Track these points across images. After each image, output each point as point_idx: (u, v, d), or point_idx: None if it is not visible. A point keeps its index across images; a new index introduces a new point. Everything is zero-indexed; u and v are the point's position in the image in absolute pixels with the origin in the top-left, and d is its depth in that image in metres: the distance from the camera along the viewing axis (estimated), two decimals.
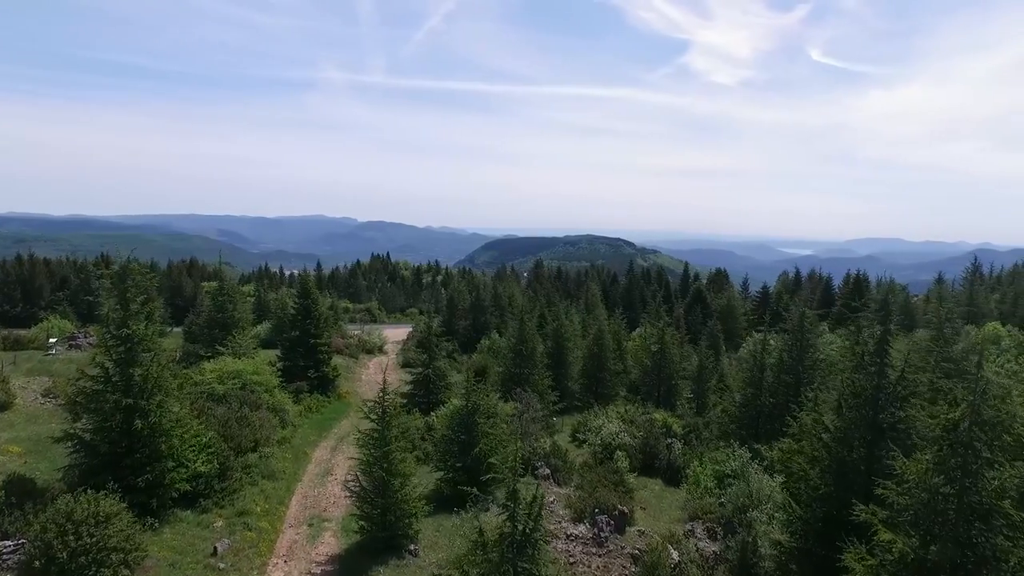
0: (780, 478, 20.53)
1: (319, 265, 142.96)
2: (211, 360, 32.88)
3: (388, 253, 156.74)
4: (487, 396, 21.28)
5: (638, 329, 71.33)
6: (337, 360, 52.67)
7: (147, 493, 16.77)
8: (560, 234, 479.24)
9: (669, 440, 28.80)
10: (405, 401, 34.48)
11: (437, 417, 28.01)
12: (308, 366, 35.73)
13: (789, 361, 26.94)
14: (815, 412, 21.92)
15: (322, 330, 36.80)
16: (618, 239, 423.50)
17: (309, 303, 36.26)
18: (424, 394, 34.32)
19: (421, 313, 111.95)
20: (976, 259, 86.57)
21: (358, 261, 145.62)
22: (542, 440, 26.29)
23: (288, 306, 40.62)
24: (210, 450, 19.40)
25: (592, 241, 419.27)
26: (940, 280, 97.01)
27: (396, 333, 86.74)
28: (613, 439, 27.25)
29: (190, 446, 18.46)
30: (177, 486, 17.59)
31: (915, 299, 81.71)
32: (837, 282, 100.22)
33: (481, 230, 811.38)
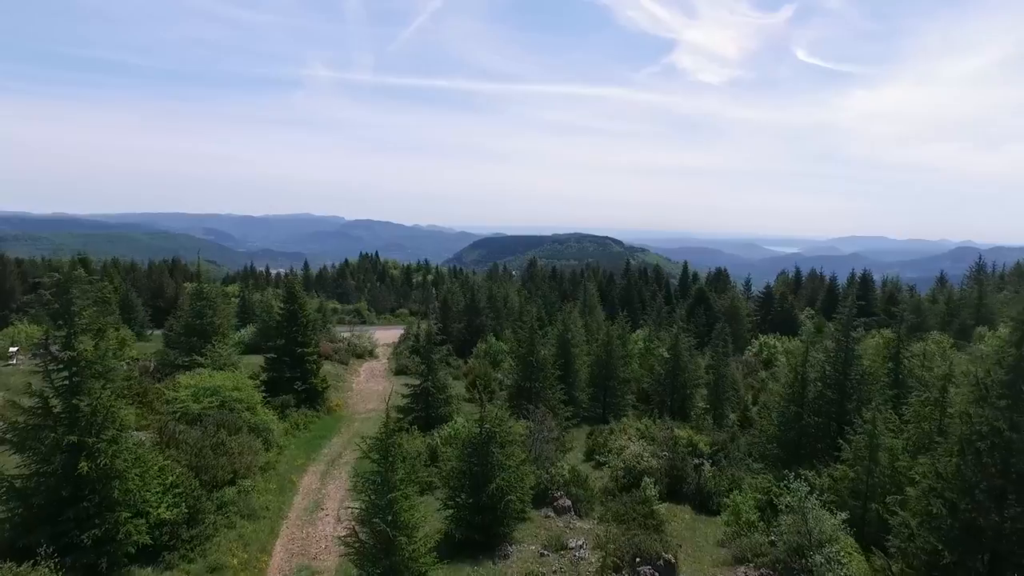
0: (843, 515, 17.73)
1: (306, 265, 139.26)
2: (187, 373, 29.73)
3: (376, 252, 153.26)
4: (502, 422, 18.29)
5: (639, 331, 68.67)
6: (326, 368, 49.41)
7: (95, 551, 13.66)
8: (548, 232, 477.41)
9: (697, 461, 25.97)
10: (401, 416, 31.54)
11: (441, 440, 25.02)
12: (295, 377, 32.61)
13: (832, 374, 24.15)
14: (870, 434, 19.19)
15: (310, 337, 33.68)
16: (606, 237, 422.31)
17: (295, 308, 33.10)
18: (423, 408, 31.32)
19: (412, 314, 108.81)
20: (980, 257, 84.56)
21: (346, 260, 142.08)
22: (559, 464, 23.38)
23: (274, 309, 37.42)
24: (177, 490, 16.29)
25: (580, 239, 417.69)
26: (943, 279, 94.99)
27: (387, 335, 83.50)
28: (637, 462, 24.36)
29: (152, 488, 15.36)
30: (135, 539, 14.47)
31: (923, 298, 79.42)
32: (829, 280, 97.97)
33: (469, 228, 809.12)
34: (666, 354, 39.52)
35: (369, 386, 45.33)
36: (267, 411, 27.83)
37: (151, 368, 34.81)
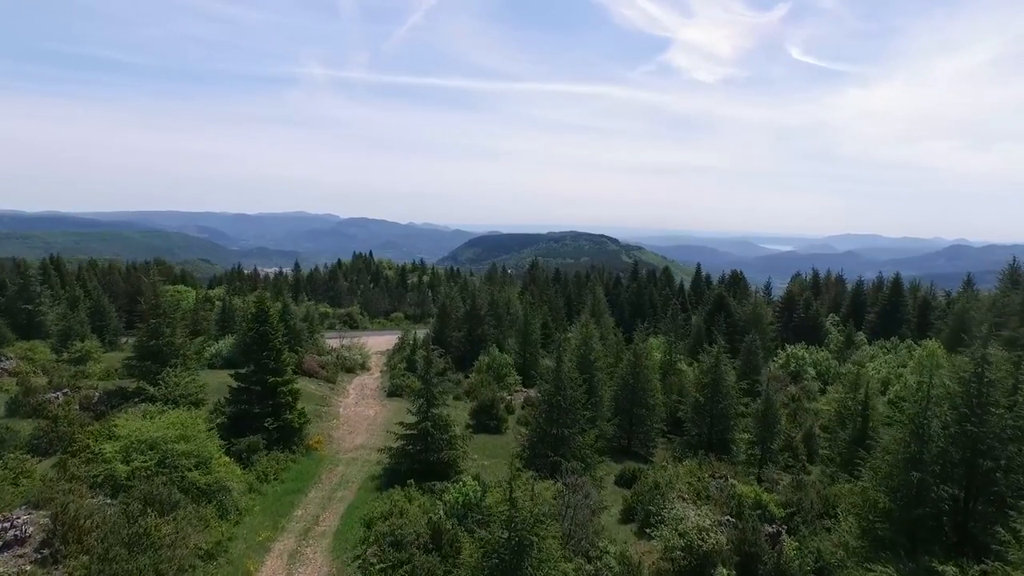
0: None
1: (297, 266, 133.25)
2: (132, 410, 24.04)
3: (371, 252, 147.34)
4: (539, 523, 12.57)
5: (650, 339, 63.03)
6: (310, 388, 43.62)
7: None
8: (543, 230, 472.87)
9: (771, 529, 20.37)
10: (392, 461, 25.91)
11: (446, 511, 19.29)
12: (265, 413, 26.85)
13: (958, 425, 18.39)
14: None
15: (285, 362, 27.93)
16: (602, 235, 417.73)
17: (266, 330, 27.30)
18: (421, 449, 25.61)
19: (407, 318, 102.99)
20: (1015, 258, 79.13)
21: (339, 261, 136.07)
22: (601, 545, 17.72)
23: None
24: None
25: (576, 238, 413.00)
26: (970, 283, 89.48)
27: (380, 342, 77.66)
28: (700, 538, 18.70)
29: None
30: None
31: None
32: (854, 284, 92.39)
33: (464, 226, 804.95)
34: (705, 379, 33.87)
35: (359, 411, 39.59)
36: (226, 463, 22.10)
37: (95, 399, 29.01)
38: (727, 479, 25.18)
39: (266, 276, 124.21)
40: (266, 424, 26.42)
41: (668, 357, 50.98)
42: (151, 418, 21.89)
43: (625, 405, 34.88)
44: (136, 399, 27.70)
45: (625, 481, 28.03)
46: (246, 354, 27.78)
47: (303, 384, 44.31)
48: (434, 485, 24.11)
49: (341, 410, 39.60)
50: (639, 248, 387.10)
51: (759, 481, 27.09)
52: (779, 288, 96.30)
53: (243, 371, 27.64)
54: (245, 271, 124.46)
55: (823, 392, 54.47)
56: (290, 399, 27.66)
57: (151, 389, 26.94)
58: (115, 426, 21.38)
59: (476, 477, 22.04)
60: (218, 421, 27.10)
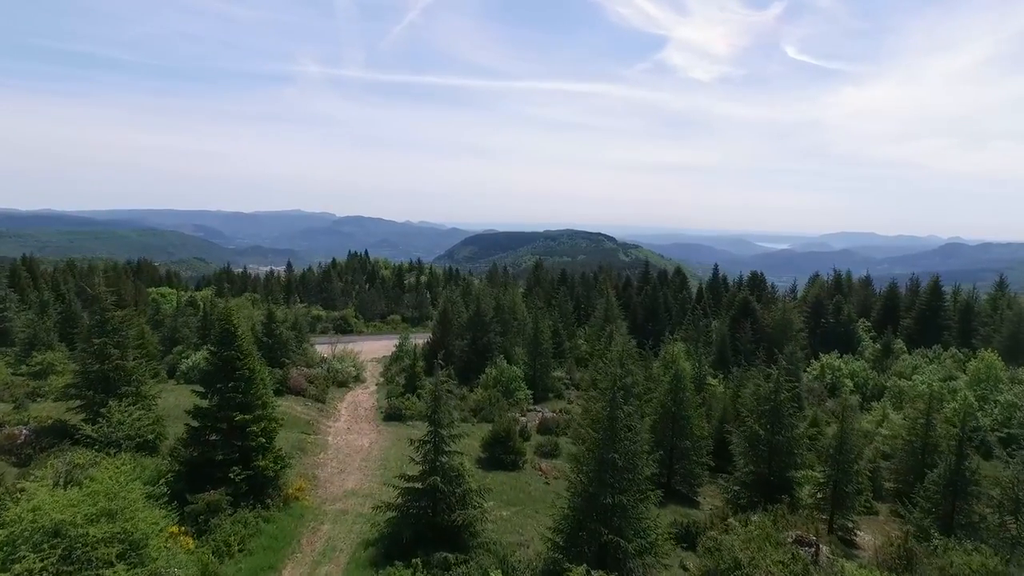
0: None
1: (289, 266, 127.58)
2: (45, 470, 18.48)
3: (367, 251, 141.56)
4: None
5: (668, 347, 57.62)
6: (294, 409, 38.09)
7: None
8: (540, 228, 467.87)
9: None
10: (390, 526, 20.46)
11: None
12: (230, 460, 21.31)
13: None
14: None
15: (257, 396, 22.35)
16: (599, 234, 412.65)
17: (232, 355, 21.70)
18: (429, 511, 20.16)
19: (404, 320, 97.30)
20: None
21: (333, 260, 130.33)
22: None
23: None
24: None
25: (573, 236, 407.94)
26: (1003, 283, 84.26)
27: (376, 347, 72.14)
28: None
29: None
30: None
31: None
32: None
33: (460, 225, 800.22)
34: (763, 407, 28.35)
35: (351, 439, 34.04)
36: (170, 540, 16.59)
37: (20, 439, 23.36)
38: (817, 547, 19.76)
39: (257, 276, 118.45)
40: (232, 474, 20.87)
41: (697, 370, 45.64)
42: (72, 482, 16.33)
43: (665, 437, 29.48)
44: (68, 441, 22.18)
45: (680, 535, 22.66)
46: (207, 383, 22.23)
47: (288, 405, 38.85)
48: (445, 558, 18.71)
49: (330, 438, 34.09)
50: (636, 246, 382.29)
51: (830, 529, 21.69)
52: (780, 288, 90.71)
53: (204, 404, 22.11)
54: (235, 271, 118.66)
55: (865, 408, 49.20)
56: (264, 440, 22.10)
57: (88, 429, 21.42)
58: (20, 491, 15.89)
59: (502, 561, 16.55)
60: (174, 469, 21.65)
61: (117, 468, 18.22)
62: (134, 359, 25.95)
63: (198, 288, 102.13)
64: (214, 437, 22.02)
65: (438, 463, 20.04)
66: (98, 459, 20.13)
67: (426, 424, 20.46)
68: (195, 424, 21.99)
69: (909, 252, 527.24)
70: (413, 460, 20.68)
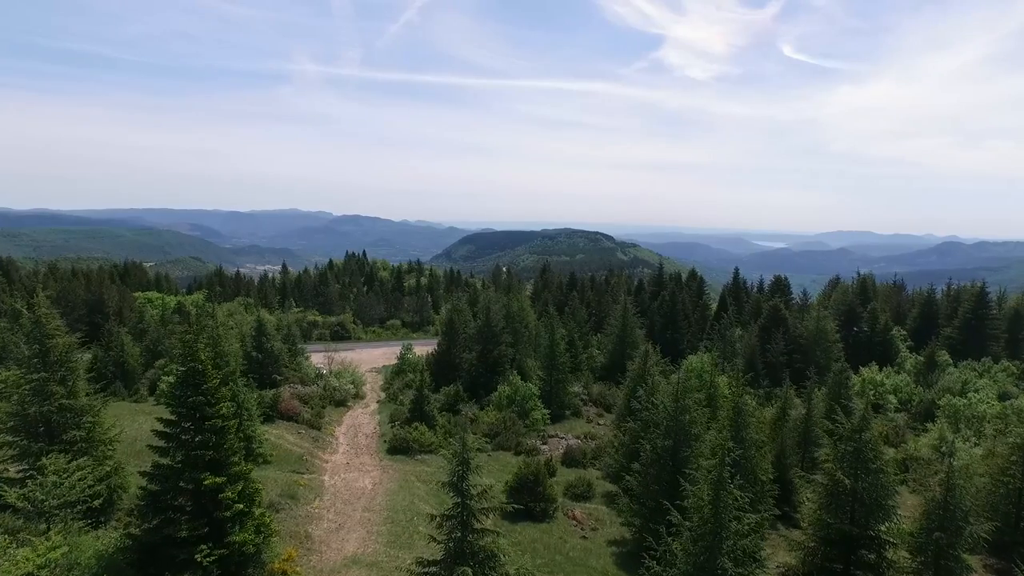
0: None
1: (284, 268, 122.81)
2: None
3: (364, 251, 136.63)
4: None
5: (690, 357, 52.90)
6: (286, 440, 33.22)
7: None
8: (537, 227, 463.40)
9: None
10: None
11: None
12: (197, 537, 16.49)
13: None
14: None
15: (231, 450, 17.54)
16: (597, 232, 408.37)
17: (201, 401, 16.87)
18: None
19: (404, 325, 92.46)
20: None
21: (330, 261, 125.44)
22: None
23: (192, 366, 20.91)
24: None
25: (571, 235, 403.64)
26: None
27: (376, 355, 67.48)
28: None
29: None
30: None
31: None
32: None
33: (458, 224, 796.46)
34: (846, 448, 23.56)
35: (350, 479, 29.18)
36: None
37: None
38: None
39: (251, 279, 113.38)
40: (199, 556, 16.07)
41: (736, 388, 40.78)
42: None
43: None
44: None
45: None
46: (168, 435, 17.41)
47: (278, 433, 34.05)
48: None
49: (327, 477, 29.27)
50: (634, 245, 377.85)
51: None
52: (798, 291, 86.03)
53: (165, 462, 17.31)
54: (229, 273, 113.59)
55: (914, 429, 44.49)
56: (242, 507, 17.30)
57: (11, 494, 16.58)
58: None
59: None
60: (123, 547, 16.91)
61: (40, 556, 13.60)
62: (84, 396, 21.12)
63: (189, 291, 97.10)
64: (180, 501, 17.26)
65: (466, 545, 15.31)
66: (21, 538, 15.42)
67: (437, 458, 15.84)
68: (154, 488, 17.18)
69: (906, 250, 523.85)
70: (433, 539, 15.93)
